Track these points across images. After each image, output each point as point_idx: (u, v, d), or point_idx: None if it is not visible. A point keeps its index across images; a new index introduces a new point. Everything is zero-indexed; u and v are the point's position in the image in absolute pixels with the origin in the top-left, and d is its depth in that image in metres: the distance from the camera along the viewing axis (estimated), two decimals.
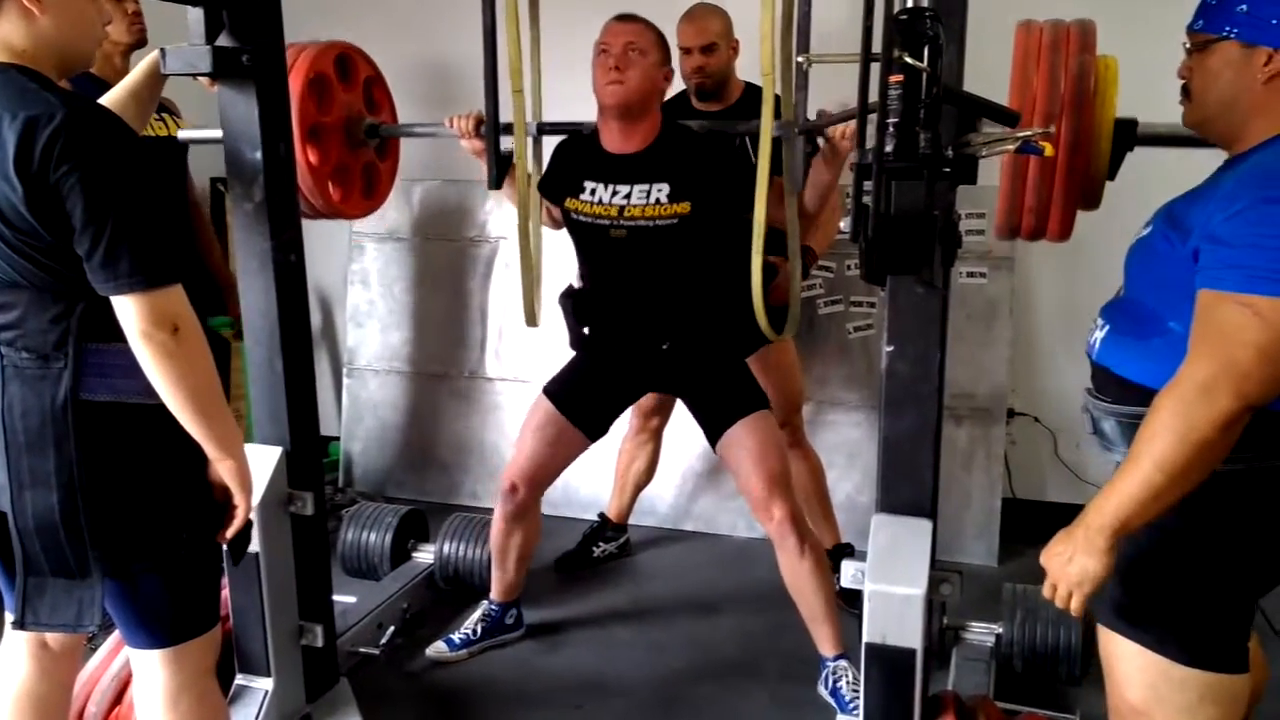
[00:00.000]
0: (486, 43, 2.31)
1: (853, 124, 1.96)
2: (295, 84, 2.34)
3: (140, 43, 2.72)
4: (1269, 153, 1.37)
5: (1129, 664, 1.47)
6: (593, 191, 2.35)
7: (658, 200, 2.29)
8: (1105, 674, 1.53)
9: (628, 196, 2.31)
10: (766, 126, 1.99)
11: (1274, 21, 1.35)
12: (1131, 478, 1.29)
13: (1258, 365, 1.23)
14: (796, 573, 2.40)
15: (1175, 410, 1.26)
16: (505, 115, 2.37)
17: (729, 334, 2.42)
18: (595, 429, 2.53)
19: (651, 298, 2.39)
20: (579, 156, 2.42)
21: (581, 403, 2.49)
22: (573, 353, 2.55)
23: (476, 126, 2.45)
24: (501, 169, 2.45)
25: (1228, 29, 1.39)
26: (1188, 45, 1.47)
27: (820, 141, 2.13)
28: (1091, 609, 1.45)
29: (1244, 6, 1.37)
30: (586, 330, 2.47)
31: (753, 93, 2.80)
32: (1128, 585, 1.47)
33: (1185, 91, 1.49)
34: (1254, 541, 1.41)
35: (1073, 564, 1.35)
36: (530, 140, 2.43)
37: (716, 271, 2.36)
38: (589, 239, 2.41)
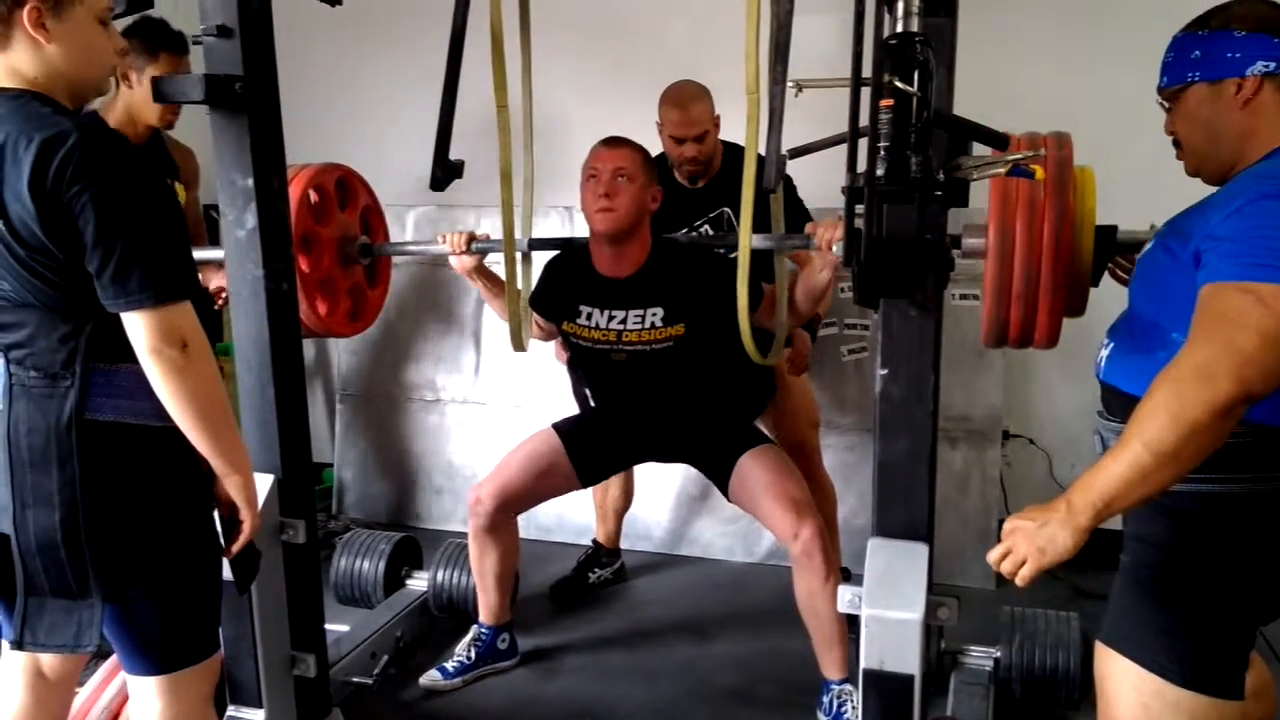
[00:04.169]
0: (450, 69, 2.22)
1: (838, 230, 1.99)
2: (294, 193, 2.37)
3: (167, 126, 2.71)
4: (1265, 163, 1.40)
5: (1123, 681, 1.45)
6: (589, 316, 2.42)
7: (653, 324, 2.37)
8: (1097, 691, 1.52)
9: (624, 321, 2.39)
10: (749, 183, 1.93)
11: (1229, 55, 1.41)
12: (1120, 458, 1.26)
13: (1260, 350, 1.20)
14: (818, 595, 2.33)
15: (1171, 391, 1.23)
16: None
17: (734, 423, 2.53)
18: (590, 476, 2.63)
19: (657, 409, 2.50)
20: (572, 278, 2.48)
21: (587, 448, 2.57)
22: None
23: (468, 243, 2.50)
24: (446, 169, 2.34)
25: (1190, 75, 1.45)
26: (1164, 104, 1.52)
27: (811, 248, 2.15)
28: (1091, 625, 1.44)
29: (1198, 52, 1.44)
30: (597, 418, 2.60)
31: (731, 153, 2.84)
32: (1130, 602, 1.46)
33: (1177, 144, 1.53)
34: (1257, 565, 1.41)
35: (1041, 532, 1.31)
36: (520, 256, 2.46)
37: (718, 376, 2.46)
38: (591, 361, 2.50)
